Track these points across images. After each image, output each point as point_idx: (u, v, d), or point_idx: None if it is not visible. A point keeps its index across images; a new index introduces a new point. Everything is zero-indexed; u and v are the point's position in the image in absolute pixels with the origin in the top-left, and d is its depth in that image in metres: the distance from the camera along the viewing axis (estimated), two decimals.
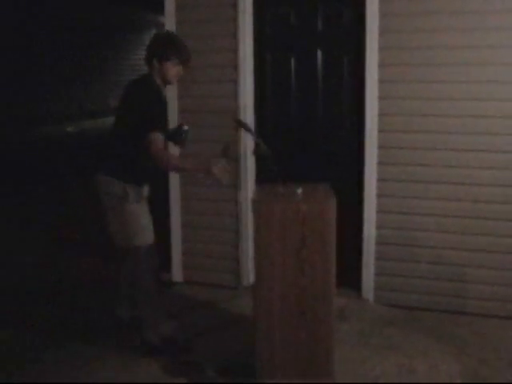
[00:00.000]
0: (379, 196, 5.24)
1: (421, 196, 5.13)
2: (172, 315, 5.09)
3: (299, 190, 3.96)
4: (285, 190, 4.03)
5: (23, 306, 5.49)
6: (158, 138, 4.19)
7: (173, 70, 4.42)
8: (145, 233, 4.50)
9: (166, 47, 4.40)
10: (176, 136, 4.77)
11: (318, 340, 3.87)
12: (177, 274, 5.96)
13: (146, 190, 4.62)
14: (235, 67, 5.49)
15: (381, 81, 5.09)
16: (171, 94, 5.71)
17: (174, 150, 5.28)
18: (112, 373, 4.35)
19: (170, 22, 5.64)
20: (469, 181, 4.99)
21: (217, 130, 5.62)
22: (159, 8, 5.77)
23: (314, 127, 5.53)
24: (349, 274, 5.38)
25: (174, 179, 5.81)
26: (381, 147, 5.17)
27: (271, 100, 5.64)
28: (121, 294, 4.83)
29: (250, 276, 5.63)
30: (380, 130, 5.15)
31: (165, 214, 5.93)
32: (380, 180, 5.21)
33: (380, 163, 5.19)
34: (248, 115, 5.51)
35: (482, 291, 5.09)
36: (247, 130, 4.49)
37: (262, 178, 5.53)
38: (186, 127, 4.75)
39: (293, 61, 5.51)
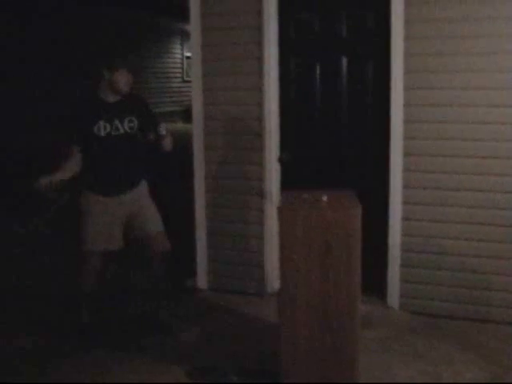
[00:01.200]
0: (404, 203, 5.22)
1: (446, 203, 5.11)
2: (196, 322, 5.13)
3: (324, 197, 3.96)
4: (310, 197, 4.03)
5: (30, 310, 5.52)
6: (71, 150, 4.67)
7: (122, 79, 4.71)
8: (88, 241, 4.81)
9: (114, 58, 4.77)
10: (157, 145, 4.84)
11: (343, 346, 3.87)
12: (201, 280, 5.98)
13: (114, 200, 4.80)
14: (260, 74, 5.50)
15: (406, 87, 5.08)
16: (196, 101, 5.75)
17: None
18: (125, 377, 4.39)
19: (195, 30, 5.67)
20: (494, 188, 4.96)
21: (242, 137, 5.65)
22: (184, 16, 5.80)
23: (338, 133, 5.54)
24: (374, 281, 5.38)
25: (200, 187, 5.84)
26: (406, 154, 5.15)
27: (296, 106, 5.64)
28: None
29: (274, 283, 5.62)
30: (405, 137, 5.13)
31: (190, 221, 5.96)
32: (405, 187, 5.19)
33: (405, 170, 5.17)
34: (273, 122, 5.53)
35: (506, 299, 5.05)
36: None
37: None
38: (163, 132, 4.78)
39: (317, 67, 5.52)
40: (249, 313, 5.42)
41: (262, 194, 5.59)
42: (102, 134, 4.67)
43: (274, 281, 5.64)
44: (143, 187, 4.95)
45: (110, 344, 4.85)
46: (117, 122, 4.72)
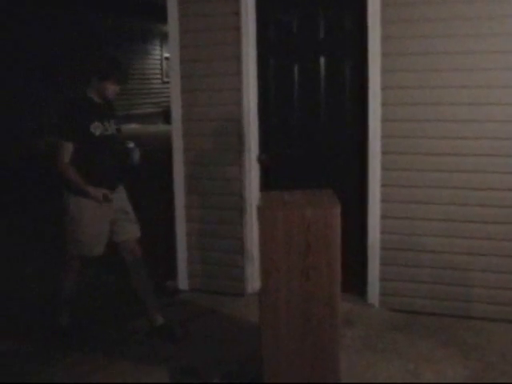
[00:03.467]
0: (383, 201, 5.25)
1: (424, 201, 5.14)
2: (177, 323, 5.13)
3: (304, 197, 3.98)
4: (290, 196, 4.04)
5: (23, 317, 5.47)
6: (66, 149, 4.61)
7: (110, 88, 4.72)
8: (77, 246, 4.83)
9: (107, 68, 4.73)
10: (125, 158, 4.85)
11: (324, 345, 3.88)
12: (182, 281, 5.98)
13: (103, 205, 4.76)
14: (239, 75, 5.52)
15: (383, 87, 5.11)
16: (175, 102, 5.75)
17: None
18: (107, 378, 4.39)
19: (173, 31, 5.68)
20: (472, 185, 5.00)
21: (221, 138, 5.65)
22: (164, 17, 5.79)
23: (316, 133, 5.55)
24: (354, 280, 5.40)
25: (179, 188, 5.84)
26: (384, 153, 5.18)
27: (274, 107, 5.66)
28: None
29: (255, 283, 5.63)
30: (383, 136, 5.16)
31: (170, 223, 5.96)
32: (384, 185, 5.22)
33: (383, 169, 5.20)
34: (252, 122, 5.54)
35: (487, 295, 5.09)
36: None
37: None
38: (131, 145, 4.82)
39: (295, 67, 5.54)
40: (230, 313, 5.42)
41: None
42: (97, 133, 4.68)
43: (254, 281, 5.65)
44: (122, 192, 4.95)
45: (90, 347, 4.83)
46: (106, 123, 4.77)
